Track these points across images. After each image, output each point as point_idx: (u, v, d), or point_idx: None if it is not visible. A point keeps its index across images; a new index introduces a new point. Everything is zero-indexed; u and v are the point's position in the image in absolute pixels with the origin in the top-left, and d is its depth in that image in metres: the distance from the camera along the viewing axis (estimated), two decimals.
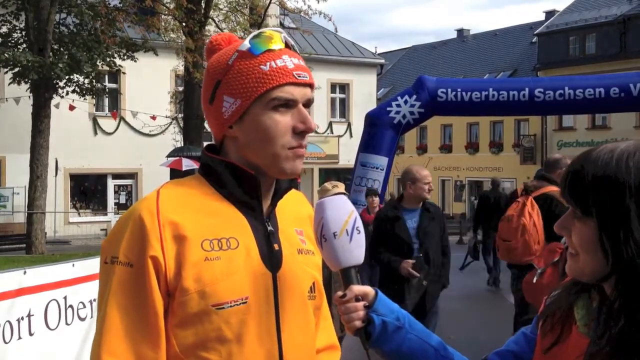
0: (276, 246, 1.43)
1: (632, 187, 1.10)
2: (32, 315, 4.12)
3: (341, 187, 1.32)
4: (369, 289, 1.36)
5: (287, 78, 1.38)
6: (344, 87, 29.64)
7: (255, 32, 1.44)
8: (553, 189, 5.30)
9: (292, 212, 1.54)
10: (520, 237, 5.13)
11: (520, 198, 5.34)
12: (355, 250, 1.36)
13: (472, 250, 11.66)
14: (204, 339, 1.33)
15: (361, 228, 1.38)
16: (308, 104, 1.43)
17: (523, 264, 5.21)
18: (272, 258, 1.41)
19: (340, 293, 1.35)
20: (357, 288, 1.35)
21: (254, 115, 1.39)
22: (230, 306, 1.33)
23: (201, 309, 1.32)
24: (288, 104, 1.39)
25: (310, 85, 1.44)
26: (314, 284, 1.50)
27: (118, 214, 22.85)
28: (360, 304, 1.34)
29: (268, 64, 1.38)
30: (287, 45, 1.43)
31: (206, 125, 17.90)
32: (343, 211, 1.36)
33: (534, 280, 4.51)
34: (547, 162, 5.62)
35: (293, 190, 1.55)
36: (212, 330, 1.32)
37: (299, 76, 1.40)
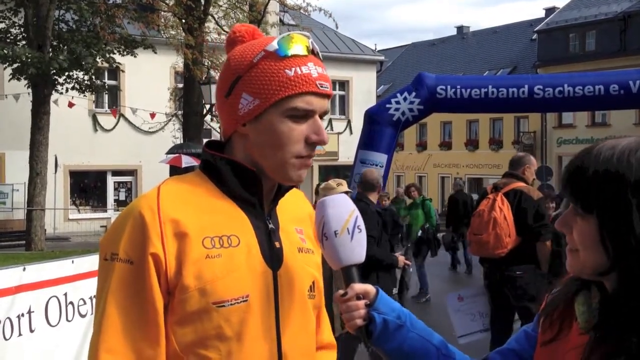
0: (277, 244, 1.43)
1: (633, 183, 1.10)
2: (33, 311, 4.13)
3: (345, 185, 1.32)
4: (370, 287, 1.36)
5: (310, 87, 1.36)
6: (343, 84, 29.62)
7: (285, 34, 1.41)
8: (520, 184, 5.50)
9: (292, 211, 1.54)
10: (492, 230, 5.29)
11: (490, 195, 5.52)
12: (357, 249, 1.36)
13: (449, 244, 12.76)
14: (203, 337, 1.32)
15: (362, 227, 1.38)
16: (323, 114, 1.42)
17: (495, 258, 5.37)
18: (273, 256, 1.41)
19: (341, 291, 1.35)
20: (358, 286, 1.35)
21: (270, 118, 1.37)
22: (231, 304, 1.32)
23: (201, 306, 1.31)
24: (306, 115, 1.38)
25: (329, 96, 1.42)
26: (313, 282, 1.50)
27: (118, 210, 22.86)
28: (362, 303, 1.34)
29: (293, 69, 1.36)
30: (313, 51, 1.42)
31: (205, 121, 17.90)
32: (344, 210, 1.36)
33: None
34: (512, 161, 5.79)
35: (294, 189, 1.55)
36: (212, 328, 1.32)
37: (321, 86, 1.38)
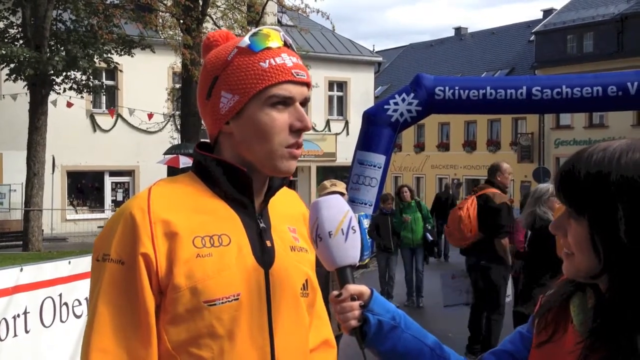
0: (268, 243, 1.43)
1: (623, 185, 1.09)
2: (28, 312, 4.12)
3: (340, 185, 1.32)
4: (364, 289, 1.36)
5: (286, 76, 1.38)
6: (341, 85, 29.62)
7: (255, 29, 1.44)
8: (492, 190, 6.58)
9: (285, 210, 1.54)
10: (457, 225, 6.55)
11: (469, 197, 6.80)
12: (351, 250, 1.35)
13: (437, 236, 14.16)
14: (195, 336, 1.33)
15: (357, 227, 1.37)
16: (305, 102, 1.43)
17: (462, 247, 6.76)
18: (264, 255, 1.41)
19: (336, 292, 1.35)
20: (353, 287, 1.35)
21: (251, 112, 1.39)
22: (222, 302, 1.33)
23: (193, 305, 1.31)
24: (286, 102, 1.39)
25: (308, 84, 1.44)
26: (306, 281, 1.50)
27: (115, 211, 22.81)
28: (356, 303, 1.34)
29: (267, 61, 1.38)
30: (285, 43, 1.44)
31: (203, 122, 17.88)
32: (338, 211, 1.36)
33: None
34: (490, 169, 6.77)
35: (286, 189, 1.56)
36: (203, 327, 1.32)
37: (297, 74, 1.40)
